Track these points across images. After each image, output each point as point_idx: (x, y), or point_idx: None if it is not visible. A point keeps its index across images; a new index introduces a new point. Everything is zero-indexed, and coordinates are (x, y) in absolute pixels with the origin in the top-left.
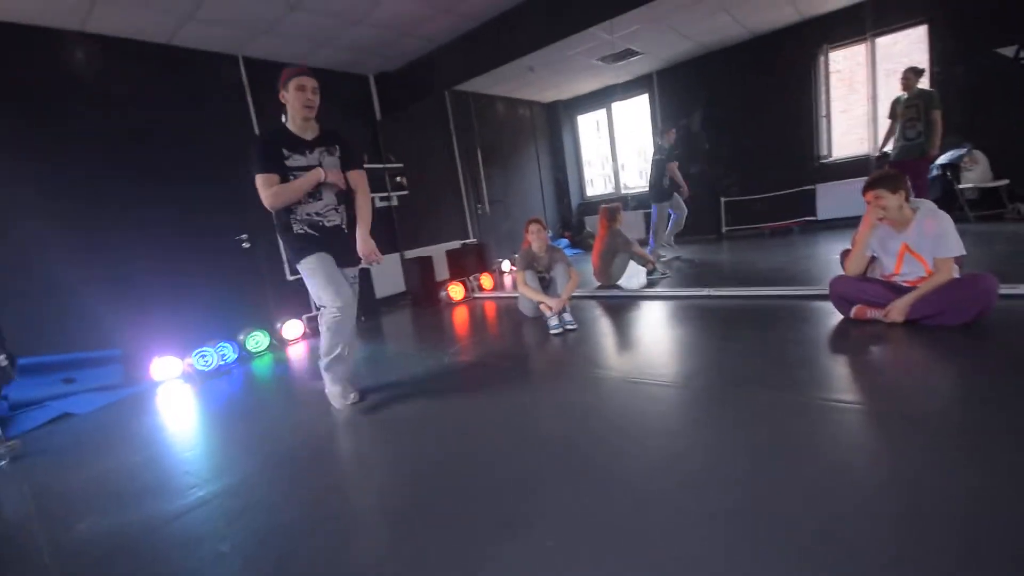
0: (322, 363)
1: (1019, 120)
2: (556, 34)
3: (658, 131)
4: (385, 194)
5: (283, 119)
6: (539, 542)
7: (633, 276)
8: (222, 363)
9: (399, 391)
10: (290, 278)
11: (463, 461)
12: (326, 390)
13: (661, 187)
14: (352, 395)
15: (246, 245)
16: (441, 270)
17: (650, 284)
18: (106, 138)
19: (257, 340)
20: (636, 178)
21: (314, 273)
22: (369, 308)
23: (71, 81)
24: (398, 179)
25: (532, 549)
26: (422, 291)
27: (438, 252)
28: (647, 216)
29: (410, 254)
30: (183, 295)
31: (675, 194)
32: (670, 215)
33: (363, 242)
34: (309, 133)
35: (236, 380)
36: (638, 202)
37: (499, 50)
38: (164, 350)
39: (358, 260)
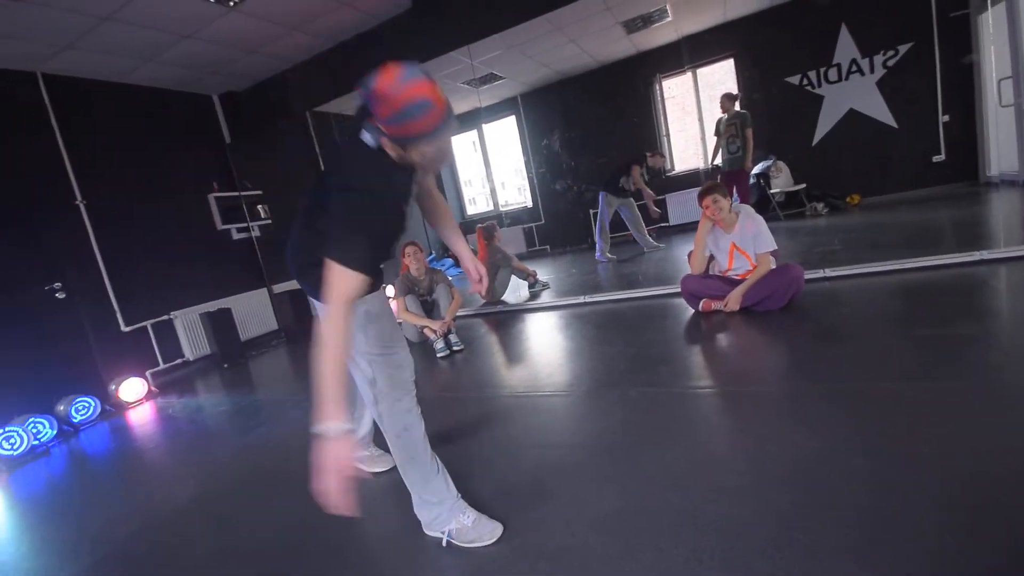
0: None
1: (808, 136)
2: (412, 58)
3: (527, 150)
4: (244, 224)
5: None
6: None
7: (516, 290)
8: (36, 443)
9: (271, 447)
10: (125, 328)
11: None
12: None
13: (617, 184)
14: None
15: (60, 295)
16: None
17: (532, 296)
18: None
19: (83, 407)
20: (515, 195)
21: None
22: (232, 353)
23: None
24: (259, 208)
25: None
26: (297, 327)
27: None
28: (525, 231)
29: (279, 288)
30: None
31: (630, 196)
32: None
33: None
34: None
35: (56, 462)
36: (514, 219)
37: (357, 72)
38: None
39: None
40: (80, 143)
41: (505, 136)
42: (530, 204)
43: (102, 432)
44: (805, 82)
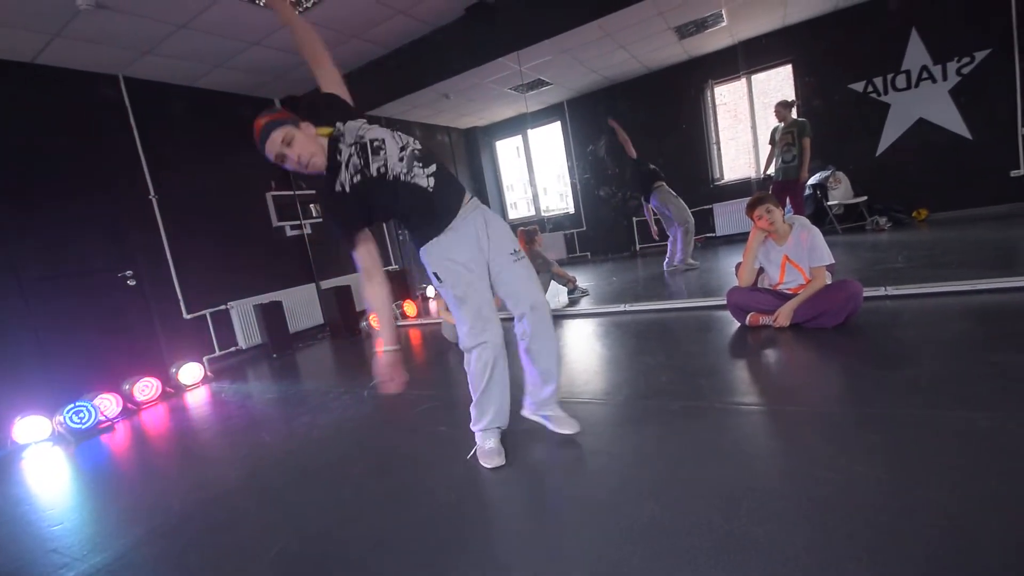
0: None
1: (872, 145)
2: (464, 64)
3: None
4: (297, 222)
5: None
6: (466, 572)
7: (555, 296)
8: (102, 418)
9: (313, 436)
10: (187, 316)
11: (380, 505)
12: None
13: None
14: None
15: (131, 282)
16: (360, 300)
17: (571, 303)
18: None
19: (146, 388)
20: (557, 201)
21: None
22: (281, 344)
23: None
24: (311, 207)
25: None
26: (341, 322)
27: (356, 281)
28: (566, 237)
29: (326, 284)
30: (54, 343)
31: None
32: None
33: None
34: None
35: (119, 437)
36: (555, 224)
37: (411, 77)
38: (29, 409)
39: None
40: (154, 142)
41: (550, 142)
42: (572, 210)
43: (162, 412)
44: (870, 89)
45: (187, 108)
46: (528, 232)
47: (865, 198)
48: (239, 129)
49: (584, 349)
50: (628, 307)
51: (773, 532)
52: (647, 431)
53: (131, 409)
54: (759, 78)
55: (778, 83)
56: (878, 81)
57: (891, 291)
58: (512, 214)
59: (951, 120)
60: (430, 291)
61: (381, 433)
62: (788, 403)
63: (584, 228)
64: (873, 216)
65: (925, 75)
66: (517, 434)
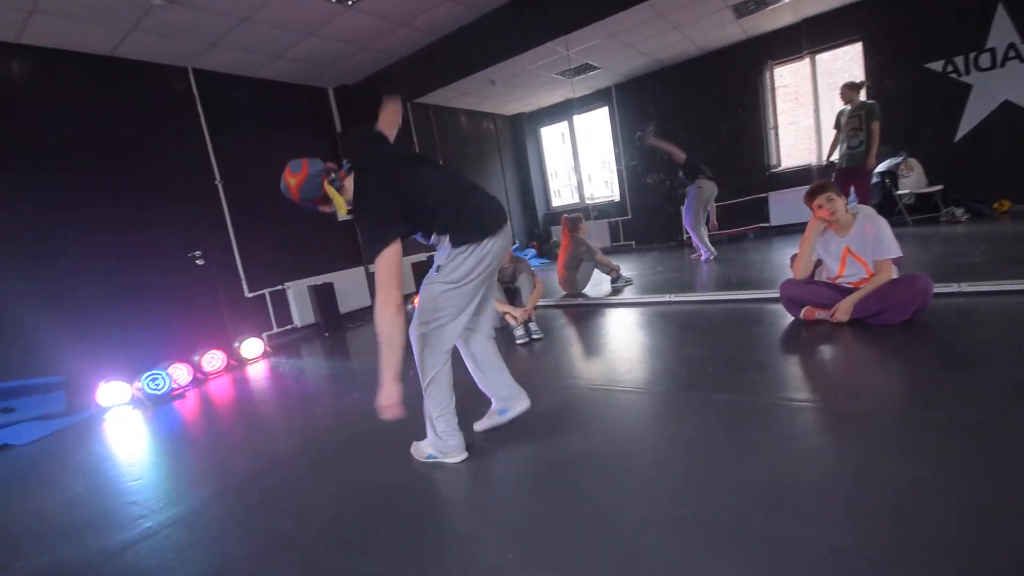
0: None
1: (950, 131)
2: (512, 49)
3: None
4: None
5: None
6: (499, 555)
7: (598, 284)
8: (175, 386)
9: (362, 411)
10: (249, 295)
11: (426, 480)
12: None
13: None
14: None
15: (200, 262)
16: (408, 283)
17: (614, 292)
18: (46, 154)
19: (213, 360)
20: (602, 188)
21: None
22: (333, 323)
23: (3, 95)
24: None
25: (493, 563)
26: None
27: (404, 265)
28: (610, 225)
29: (374, 268)
30: (133, 316)
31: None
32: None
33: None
34: None
35: (190, 404)
36: (600, 212)
37: (457, 64)
38: (112, 375)
39: None
40: (219, 130)
41: (595, 128)
42: (617, 198)
43: (226, 382)
44: (950, 69)
45: (249, 97)
46: (572, 220)
47: (940, 187)
48: (295, 117)
49: (626, 338)
50: (673, 297)
51: (819, 533)
52: (690, 422)
53: (200, 379)
54: (824, 58)
55: (845, 63)
56: (959, 60)
57: (965, 287)
58: (556, 202)
59: None
60: None
61: None
62: (843, 402)
63: (629, 216)
64: (949, 207)
65: (1012, 54)
66: (556, 423)
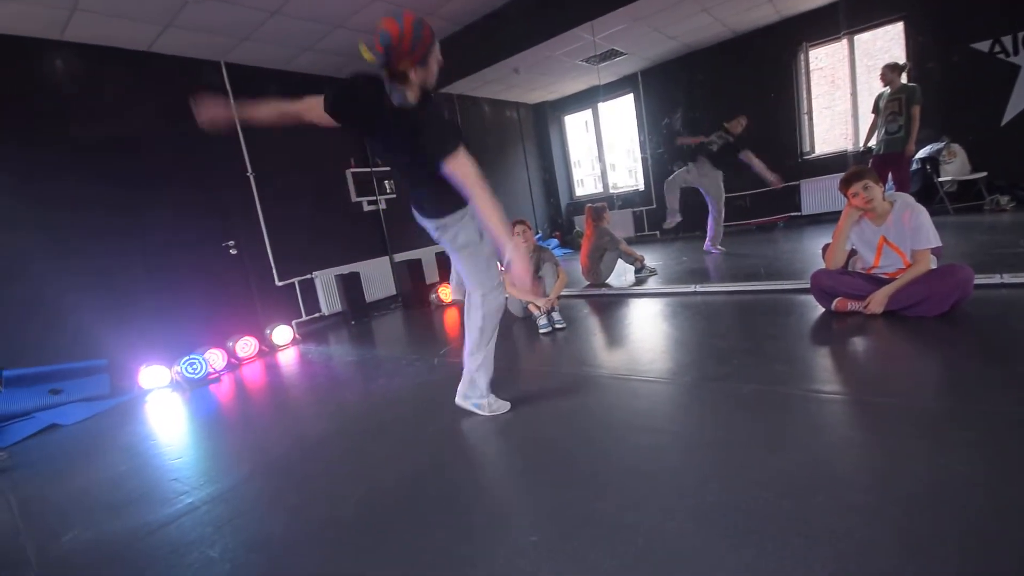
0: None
1: (996, 114)
2: (537, 36)
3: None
4: (373, 198)
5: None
6: (524, 538)
7: (621, 274)
8: (211, 370)
9: (389, 397)
10: (279, 283)
11: (452, 464)
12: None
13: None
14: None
15: (233, 251)
16: (431, 272)
17: (638, 282)
18: (88, 146)
19: (246, 346)
20: (626, 177)
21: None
22: (359, 312)
23: (50, 89)
24: (386, 183)
25: (517, 545)
26: (412, 294)
27: (427, 255)
28: (635, 215)
29: (399, 257)
30: (170, 303)
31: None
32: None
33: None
34: None
35: (225, 388)
36: (624, 201)
37: (482, 53)
38: (152, 359)
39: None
40: (250, 124)
41: (620, 115)
42: (642, 187)
43: (258, 368)
44: (997, 49)
45: (279, 90)
46: (596, 209)
47: (985, 174)
48: None
49: (650, 329)
50: (699, 287)
51: (849, 524)
52: (715, 413)
53: (234, 364)
54: (863, 38)
55: (885, 43)
56: (1007, 40)
57: (1008, 279)
58: (579, 191)
59: None
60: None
61: (452, 396)
62: (876, 394)
63: (654, 206)
64: (994, 195)
65: None
66: (579, 411)
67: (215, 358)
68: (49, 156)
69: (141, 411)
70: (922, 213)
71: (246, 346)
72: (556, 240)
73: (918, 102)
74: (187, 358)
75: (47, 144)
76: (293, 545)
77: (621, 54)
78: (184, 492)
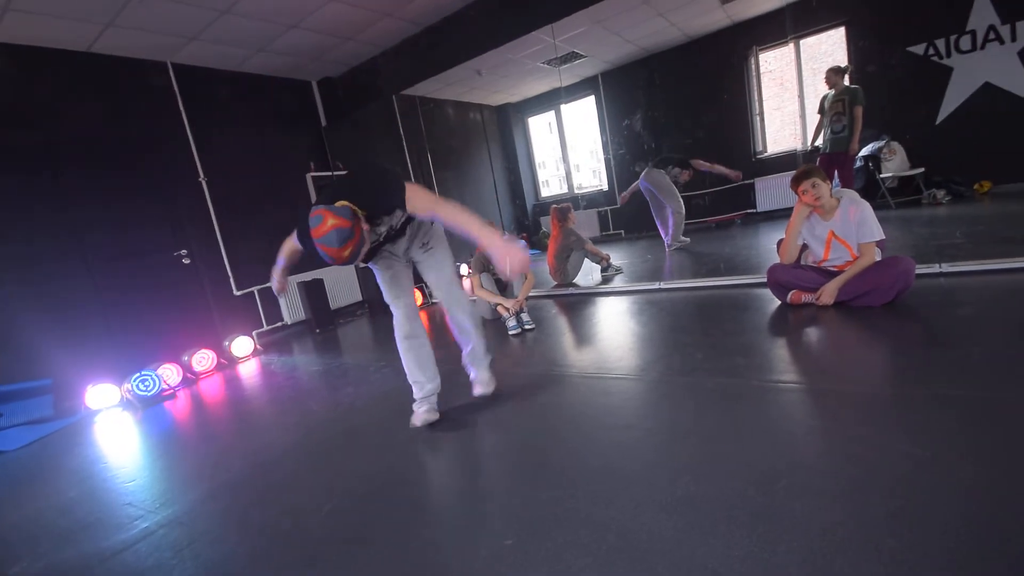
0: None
1: (931, 114)
2: (499, 39)
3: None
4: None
5: None
6: (499, 542)
7: (588, 274)
8: (165, 387)
9: (357, 405)
10: (237, 292)
11: (424, 470)
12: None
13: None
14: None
15: (186, 261)
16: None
17: (605, 280)
18: (25, 154)
19: (203, 359)
20: (590, 178)
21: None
22: (324, 319)
23: None
24: None
25: (493, 549)
26: (379, 299)
27: None
28: (599, 215)
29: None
30: (119, 317)
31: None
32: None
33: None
34: None
35: (181, 404)
36: (589, 201)
37: (444, 54)
38: (100, 377)
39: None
40: (202, 126)
41: (583, 117)
42: (606, 187)
43: (217, 382)
44: (931, 52)
45: (231, 92)
46: (561, 210)
47: (922, 170)
48: (279, 111)
49: (617, 326)
50: (663, 285)
51: (810, 507)
52: (682, 407)
53: (190, 378)
54: (808, 42)
55: (830, 47)
56: (940, 43)
57: (946, 268)
58: (544, 192)
59: (1020, 84)
60: (463, 269)
61: None
62: (829, 382)
63: (618, 205)
64: (930, 189)
65: (992, 36)
66: (549, 411)
67: (169, 374)
68: None
69: (90, 433)
70: (866, 208)
71: (203, 360)
72: (523, 241)
73: (861, 103)
74: (138, 375)
75: None
76: (258, 565)
77: (582, 56)
78: (139, 516)
